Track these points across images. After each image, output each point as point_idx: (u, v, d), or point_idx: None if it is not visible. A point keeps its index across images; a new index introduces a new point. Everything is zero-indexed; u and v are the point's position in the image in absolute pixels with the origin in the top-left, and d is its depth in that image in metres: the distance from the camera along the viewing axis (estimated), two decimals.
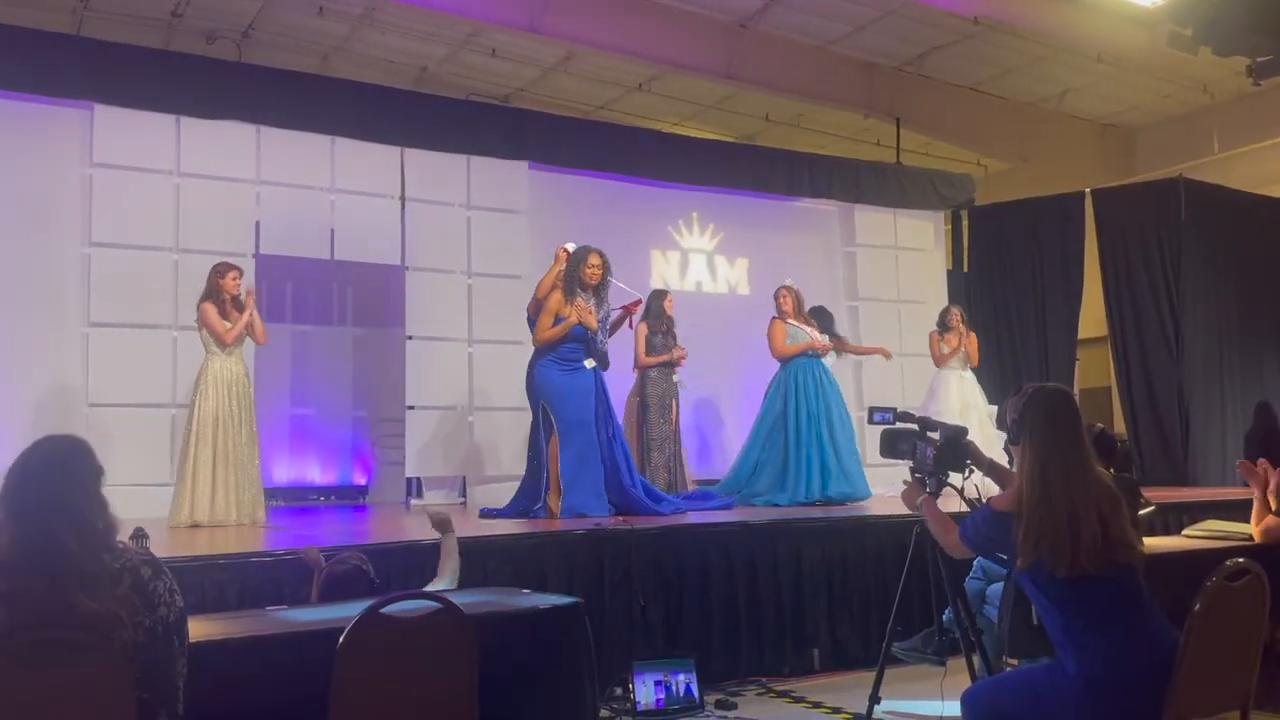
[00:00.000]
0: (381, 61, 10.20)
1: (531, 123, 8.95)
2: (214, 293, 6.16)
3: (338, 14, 9.38)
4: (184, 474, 5.98)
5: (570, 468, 6.14)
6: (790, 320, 7.51)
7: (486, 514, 6.45)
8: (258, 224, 7.51)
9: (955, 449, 3.50)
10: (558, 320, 6.22)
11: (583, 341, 6.28)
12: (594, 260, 6.36)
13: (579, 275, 6.34)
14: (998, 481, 3.42)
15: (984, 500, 3.11)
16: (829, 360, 7.68)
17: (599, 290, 6.40)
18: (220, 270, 6.22)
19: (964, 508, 3.56)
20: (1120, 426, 10.12)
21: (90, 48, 7.54)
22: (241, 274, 6.34)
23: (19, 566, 1.97)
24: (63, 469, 2.09)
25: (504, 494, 7.69)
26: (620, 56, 9.93)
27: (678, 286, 9.53)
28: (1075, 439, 2.77)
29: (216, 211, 7.30)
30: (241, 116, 7.43)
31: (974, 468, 3.54)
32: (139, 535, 3.31)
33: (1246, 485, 4.34)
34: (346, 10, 9.33)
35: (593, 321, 6.27)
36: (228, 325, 6.10)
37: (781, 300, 7.57)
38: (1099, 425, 4.07)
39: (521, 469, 7.72)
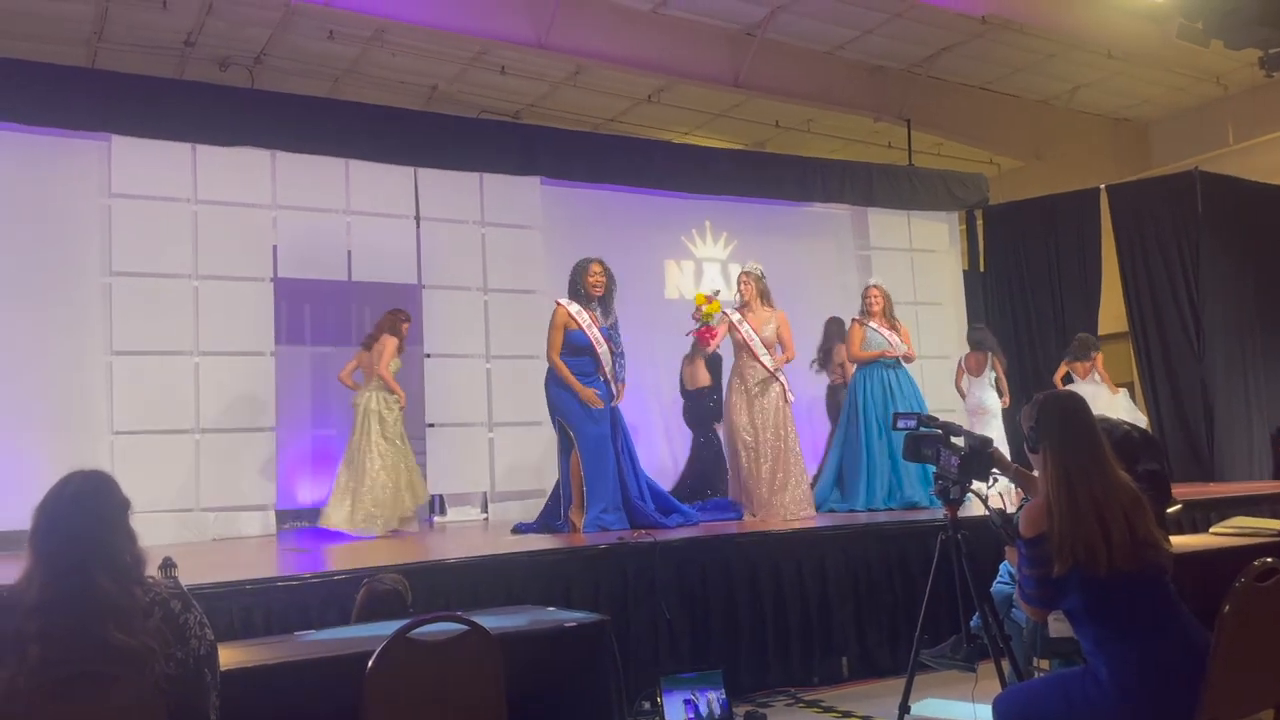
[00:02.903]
0: (392, 82, 10.27)
1: (543, 138, 8.98)
2: (397, 331, 7.07)
3: (348, 37, 9.46)
4: (364, 480, 6.75)
5: (591, 482, 6.15)
6: (870, 323, 7.32)
7: (519, 529, 6.49)
8: (275, 248, 7.57)
9: (980, 458, 3.49)
10: (567, 332, 6.21)
11: (590, 353, 6.26)
12: (596, 269, 6.33)
13: (582, 287, 6.31)
14: (1025, 489, 3.40)
15: (1008, 512, 3.10)
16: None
17: (604, 301, 6.38)
18: (405, 316, 7.20)
19: (985, 512, 3.55)
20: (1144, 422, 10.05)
21: (105, 79, 7.64)
22: None
23: (52, 604, 1.99)
24: (91, 505, 2.11)
25: (523, 508, 7.76)
26: (628, 69, 9.95)
27: (692, 296, 9.53)
28: (1092, 440, 2.76)
29: (234, 237, 7.37)
30: (256, 142, 7.48)
31: (999, 476, 3.53)
32: (167, 565, 3.33)
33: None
34: (356, 33, 9.40)
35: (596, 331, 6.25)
36: (393, 368, 7.02)
37: (871, 301, 7.33)
38: (1125, 425, 4.04)
39: (541, 483, 7.76)
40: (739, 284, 6.97)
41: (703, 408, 8.14)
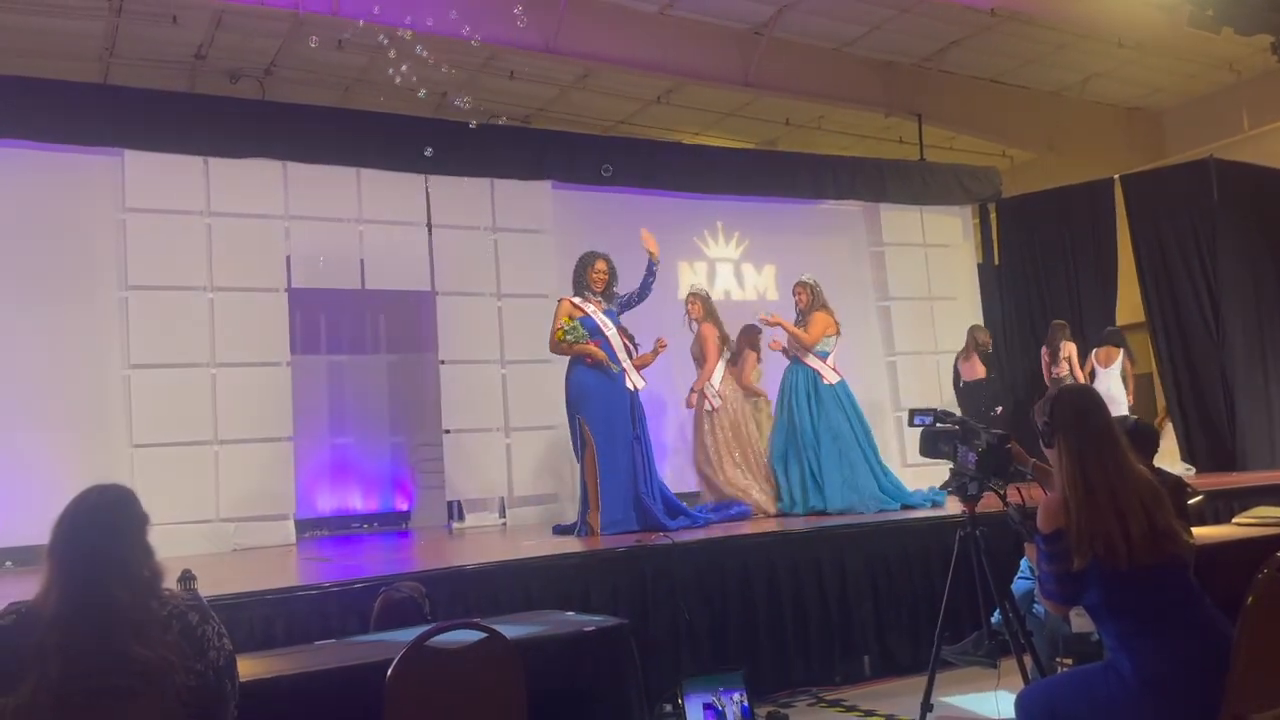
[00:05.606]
0: (402, 90, 10.28)
1: (553, 142, 8.99)
2: (754, 345, 8.02)
3: (357, 46, 9.47)
4: None
5: (607, 482, 6.16)
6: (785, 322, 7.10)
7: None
8: (288, 258, 7.60)
9: (998, 456, 3.47)
10: (567, 328, 6.33)
11: (599, 335, 6.36)
12: (600, 266, 6.52)
13: (586, 280, 6.50)
14: (1043, 484, 3.38)
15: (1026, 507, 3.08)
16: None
17: (607, 294, 6.55)
18: (758, 330, 8.01)
19: (1002, 506, 3.53)
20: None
21: (117, 95, 7.70)
22: None
23: (71, 619, 2.00)
24: (109, 519, 2.13)
25: (541, 513, 7.76)
26: (637, 71, 9.95)
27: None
28: (1107, 434, 2.75)
29: (248, 248, 7.40)
30: (268, 153, 7.51)
31: (1019, 472, 3.51)
32: (186, 578, 3.35)
33: None
34: (365, 42, 9.42)
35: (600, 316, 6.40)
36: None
37: (796, 299, 7.22)
38: (1133, 417, 4.02)
39: (558, 487, 7.77)
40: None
41: (981, 398, 9.03)
